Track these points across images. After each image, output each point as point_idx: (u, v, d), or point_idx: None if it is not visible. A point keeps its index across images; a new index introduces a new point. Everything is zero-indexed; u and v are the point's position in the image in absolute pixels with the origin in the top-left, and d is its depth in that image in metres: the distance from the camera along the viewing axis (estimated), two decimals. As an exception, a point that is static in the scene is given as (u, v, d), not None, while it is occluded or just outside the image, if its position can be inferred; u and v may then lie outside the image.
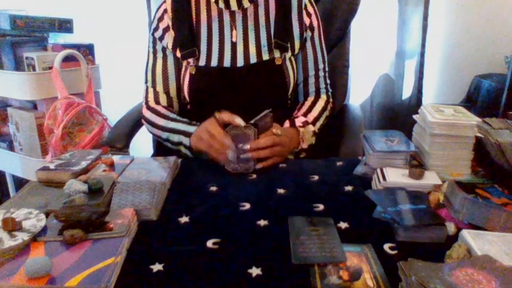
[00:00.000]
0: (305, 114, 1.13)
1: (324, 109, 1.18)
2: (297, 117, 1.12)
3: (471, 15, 2.07)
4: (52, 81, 1.64)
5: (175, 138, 1.07)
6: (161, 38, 1.14)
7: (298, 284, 0.56)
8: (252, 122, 0.95)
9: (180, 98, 1.21)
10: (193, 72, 1.10)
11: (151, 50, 1.18)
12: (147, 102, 1.19)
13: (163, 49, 1.16)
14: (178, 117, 1.12)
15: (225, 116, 0.96)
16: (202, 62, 1.11)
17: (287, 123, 1.10)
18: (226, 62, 1.10)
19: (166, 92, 1.18)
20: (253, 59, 1.10)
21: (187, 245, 0.66)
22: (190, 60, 1.11)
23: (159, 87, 1.17)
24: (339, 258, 0.60)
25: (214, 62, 1.10)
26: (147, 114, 1.16)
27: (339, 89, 1.40)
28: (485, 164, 0.88)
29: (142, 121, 1.20)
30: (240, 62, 1.10)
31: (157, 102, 1.18)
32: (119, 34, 2.03)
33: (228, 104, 1.10)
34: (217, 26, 1.11)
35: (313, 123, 1.12)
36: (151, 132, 1.19)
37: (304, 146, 1.07)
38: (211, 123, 0.97)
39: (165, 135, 1.11)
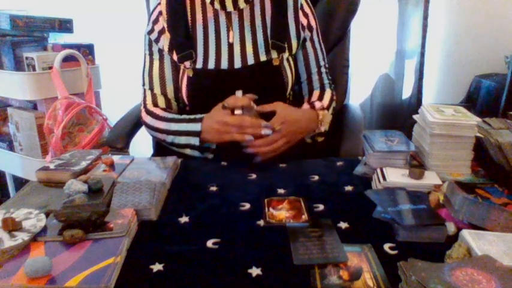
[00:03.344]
0: (319, 101, 1.15)
1: (331, 99, 1.19)
2: (313, 101, 1.13)
3: (471, 15, 2.08)
4: (52, 81, 1.64)
5: (182, 140, 1.05)
6: (157, 40, 1.13)
7: (298, 284, 0.56)
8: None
9: (179, 100, 1.19)
10: (191, 75, 1.09)
11: (147, 52, 1.16)
12: (145, 106, 1.16)
13: (160, 51, 1.14)
14: (176, 116, 1.09)
15: (238, 100, 0.99)
16: (199, 65, 1.10)
17: (306, 105, 1.11)
18: (224, 64, 1.10)
19: (164, 94, 1.15)
20: (250, 60, 1.10)
21: (187, 245, 0.66)
22: (187, 63, 1.10)
23: (157, 89, 1.15)
24: (340, 259, 0.60)
25: (211, 64, 1.10)
26: (147, 119, 1.13)
27: (339, 88, 1.40)
28: (485, 164, 0.88)
29: (144, 127, 1.17)
30: (238, 63, 1.10)
31: (155, 105, 1.15)
32: (119, 34, 2.03)
33: None
34: (213, 27, 1.11)
35: (327, 109, 1.14)
36: (154, 137, 1.17)
37: (323, 129, 1.08)
38: (221, 113, 0.99)
39: (169, 138, 1.08)
